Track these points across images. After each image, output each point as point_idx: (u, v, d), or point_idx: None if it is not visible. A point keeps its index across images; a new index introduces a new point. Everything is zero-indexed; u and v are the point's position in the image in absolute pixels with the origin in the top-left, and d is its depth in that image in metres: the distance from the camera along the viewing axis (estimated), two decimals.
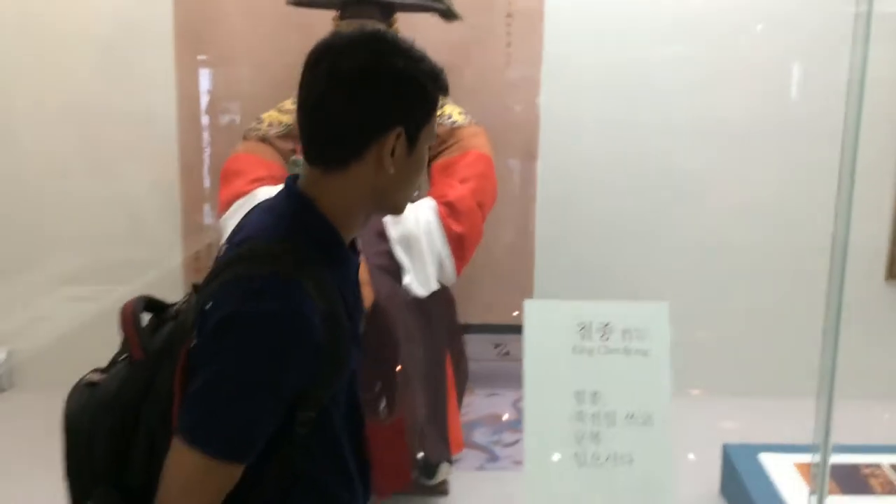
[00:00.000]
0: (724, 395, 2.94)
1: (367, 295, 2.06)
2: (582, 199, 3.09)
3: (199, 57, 2.95)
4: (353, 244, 1.16)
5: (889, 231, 3.03)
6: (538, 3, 2.88)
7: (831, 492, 2.09)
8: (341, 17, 2.48)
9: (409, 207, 2.10)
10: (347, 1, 2.45)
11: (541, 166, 2.99)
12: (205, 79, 2.97)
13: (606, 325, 1.94)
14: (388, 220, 2.27)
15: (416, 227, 2.24)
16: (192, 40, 2.93)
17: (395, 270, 2.22)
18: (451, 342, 2.44)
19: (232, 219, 2.36)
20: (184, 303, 1.14)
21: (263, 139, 2.57)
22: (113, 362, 1.15)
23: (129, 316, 1.11)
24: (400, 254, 2.23)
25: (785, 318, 3.04)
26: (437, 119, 2.41)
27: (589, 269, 3.10)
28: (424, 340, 2.27)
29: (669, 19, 2.91)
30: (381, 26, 2.43)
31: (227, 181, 2.43)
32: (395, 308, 2.10)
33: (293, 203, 1.09)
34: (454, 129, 2.52)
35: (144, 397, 1.08)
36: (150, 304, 1.17)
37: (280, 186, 2.10)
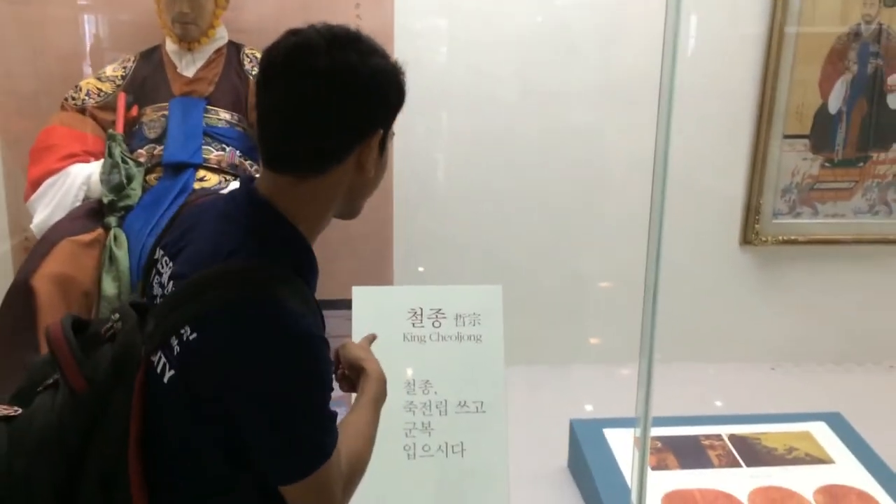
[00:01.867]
0: (584, 364, 2.93)
1: None
2: (437, 171, 3.00)
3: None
4: None
5: (743, 196, 3.05)
6: (387, 19, 2.71)
7: (669, 466, 2.10)
8: None
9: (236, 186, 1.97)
10: None
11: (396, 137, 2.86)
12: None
13: (438, 311, 1.86)
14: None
15: None
16: None
17: None
18: None
19: (42, 199, 2.15)
20: (118, 321, 1.01)
21: (81, 110, 2.35)
22: (29, 391, 1.02)
23: (62, 340, 0.98)
24: None
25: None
26: None
27: (445, 242, 3.02)
28: None
29: None
30: None
31: (38, 158, 2.21)
32: None
33: (260, 214, 1.02)
34: None
35: (90, 434, 0.95)
36: (74, 323, 1.03)
37: (97, 163, 1.91)
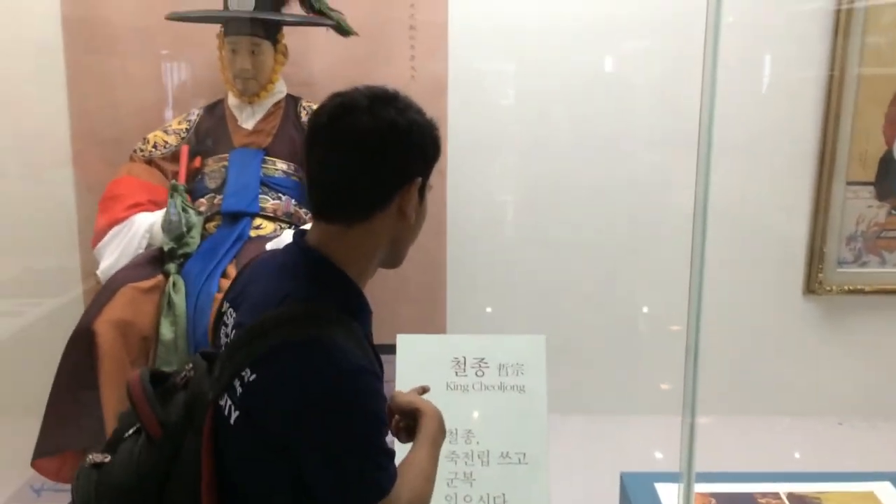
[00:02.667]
0: (633, 415, 2.87)
1: None
2: (491, 217, 3.02)
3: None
4: None
5: (806, 244, 2.97)
6: (441, 15, 2.79)
7: None
8: (225, 34, 2.38)
9: (291, 235, 2.03)
10: (230, 17, 2.34)
11: (449, 184, 2.90)
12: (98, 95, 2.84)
13: (482, 360, 1.87)
14: (269, 247, 2.18)
15: None
16: (83, 55, 2.79)
17: None
18: None
19: (108, 247, 2.26)
20: (190, 371, 1.10)
21: (149, 161, 2.46)
22: (117, 439, 1.09)
23: (139, 391, 1.05)
24: None
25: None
26: None
27: (496, 286, 3.03)
28: None
29: (578, 30, 2.84)
30: (269, 44, 2.35)
31: (106, 207, 2.32)
32: None
33: (311, 263, 1.10)
34: None
35: (167, 478, 1.02)
36: (153, 375, 1.11)
37: (160, 212, 2.01)
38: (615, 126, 2.88)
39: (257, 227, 2.32)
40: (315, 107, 2.40)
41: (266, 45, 2.37)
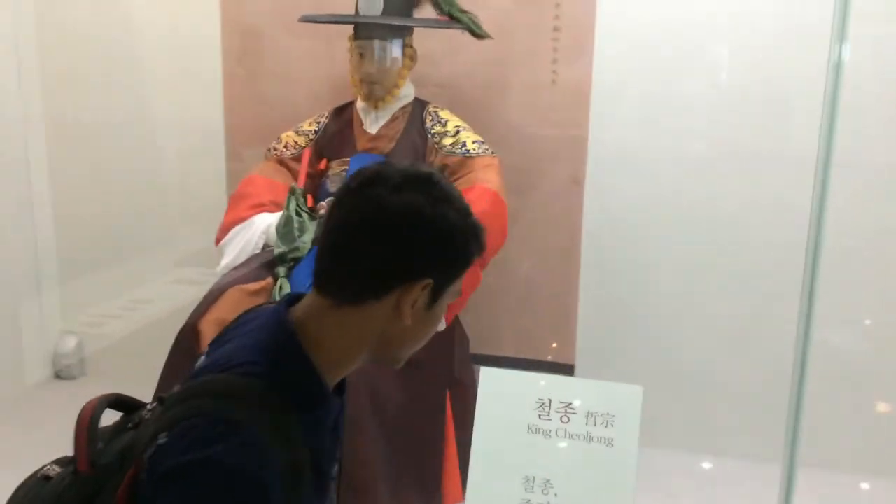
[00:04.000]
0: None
1: None
2: (630, 229, 2.81)
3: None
4: (340, 384, 1.08)
5: None
6: (588, 17, 2.60)
7: None
8: (355, 37, 2.36)
9: None
10: (360, 20, 2.32)
11: (587, 192, 2.73)
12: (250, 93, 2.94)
13: (568, 405, 1.72)
14: None
15: None
16: (238, 55, 2.90)
17: None
18: (454, 381, 2.27)
19: (229, 245, 2.32)
20: (148, 412, 1.06)
21: (280, 161, 2.51)
22: (70, 459, 1.07)
23: (84, 420, 1.01)
24: None
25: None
26: (450, 148, 2.26)
27: (634, 305, 2.82)
28: (409, 389, 2.12)
29: (734, 40, 2.55)
30: (395, 46, 2.30)
31: (233, 205, 2.39)
32: None
33: (279, 336, 1.00)
34: (465, 160, 2.33)
35: None
36: (121, 403, 1.08)
37: (279, 214, 1.97)
38: (765, 144, 2.57)
39: None
40: (442, 113, 2.33)
41: (393, 50, 2.32)
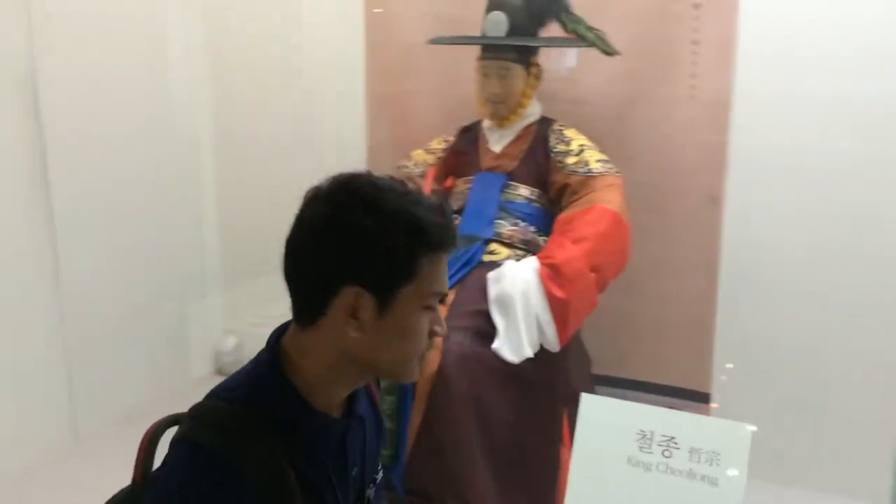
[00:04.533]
0: None
1: (430, 357, 1.99)
2: (769, 252, 2.63)
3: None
4: (352, 401, 1.10)
5: None
6: (730, 29, 2.47)
7: None
8: (480, 57, 2.39)
9: (512, 266, 1.99)
10: (484, 42, 2.35)
11: (726, 212, 2.59)
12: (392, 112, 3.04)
13: (671, 438, 1.64)
14: (490, 276, 2.16)
15: (513, 287, 2.08)
16: (381, 74, 3.01)
17: (490, 333, 2.10)
18: (570, 401, 2.23)
19: None
20: None
21: (409, 178, 2.58)
22: None
23: (148, 434, 1.07)
24: (495, 315, 2.10)
25: None
26: (573, 167, 2.24)
27: (775, 332, 2.64)
28: (521, 409, 2.12)
29: (889, 43, 2.32)
30: (519, 67, 2.31)
31: None
32: (466, 376, 1.99)
33: (263, 361, 1.04)
34: (587, 179, 2.29)
35: None
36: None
37: None
38: None
39: (491, 252, 2.30)
40: (567, 132, 2.31)
41: (516, 69, 2.33)
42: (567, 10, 2.34)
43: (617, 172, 2.32)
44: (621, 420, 1.68)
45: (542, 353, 2.14)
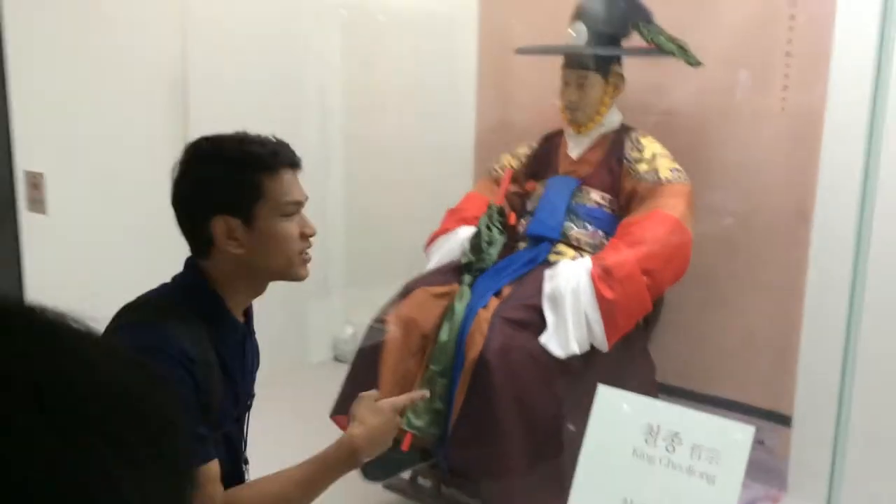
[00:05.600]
0: None
1: (475, 342, 2.12)
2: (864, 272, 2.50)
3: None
4: (247, 315, 1.38)
5: None
6: (824, 42, 2.41)
7: None
8: (563, 66, 2.50)
9: (567, 265, 2.10)
10: (562, 51, 2.45)
11: (815, 230, 2.51)
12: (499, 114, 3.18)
13: (676, 434, 1.67)
14: (546, 274, 2.26)
15: (566, 284, 2.17)
16: (493, 76, 3.17)
17: (541, 327, 2.20)
18: None
19: (434, 252, 2.60)
20: None
21: (496, 180, 2.73)
22: None
23: None
24: (546, 310, 2.20)
25: None
26: (643, 174, 2.29)
27: (863, 355, 2.51)
28: (566, 404, 2.20)
29: None
30: (598, 76, 2.40)
31: (446, 217, 2.67)
32: (508, 364, 2.10)
33: (185, 274, 1.33)
34: (656, 186, 2.33)
35: None
36: None
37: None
38: None
39: (558, 253, 2.40)
40: (643, 140, 2.37)
41: (594, 78, 2.41)
42: (647, 20, 2.40)
43: (686, 181, 2.34)
44: (632, 413, 1.73)
45: (593, 353, 2.21)
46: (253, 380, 1.42)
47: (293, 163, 1.29)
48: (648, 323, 2.54)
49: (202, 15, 3.08)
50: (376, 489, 2.52)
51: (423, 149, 3.61)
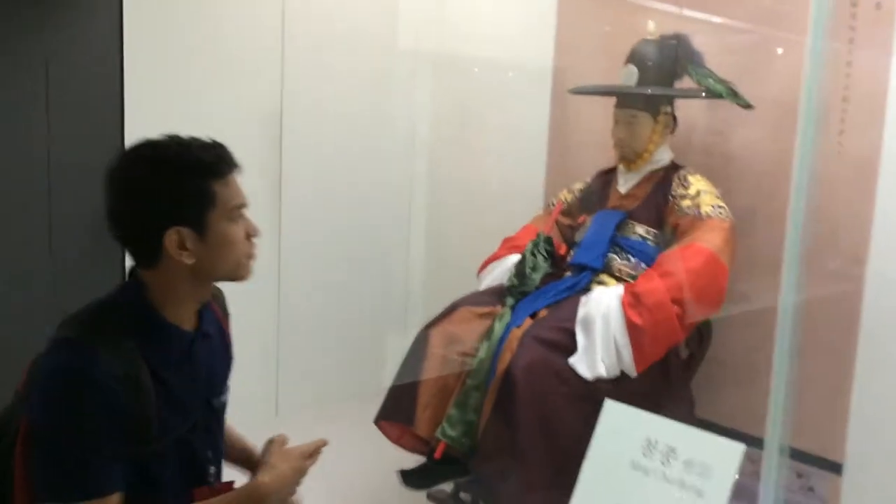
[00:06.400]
0: None
1: (505, 359, 2.24)
2: None
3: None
4: (202, 316, 1.34)
5: None
6: (881, 86, 2.42)
7: None
8: (615, 106, 2.61)
9: (601, 291, 2.21)
10: (610, 90, 2.58)
11: (869, 273, 2.48)
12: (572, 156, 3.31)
13: (672, 449, 1.73)
14: (582, 299, 2.35)
15: (597, 309, 2.26)
16: (562, 119, 3.32)
17: (572, 349, 2.29)
18: None
19: (485, 277, 2.75)
20: None
21: (551, 213, 2.86)
22: None
23: (32, 361, 1.25)
24: (579, 332, 2.29)
25: None
26: (686, 209, 2.37)
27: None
28: (592, 424, 2.26)
29: None
30: (647, 116, 2.50)
31: (501, 245, 2.81)
32: (533, 381, 2.19)
33: (124, 288, 1.28)
34: (695, 221, 2.39)
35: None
36: None
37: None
38: None
39: (600, 283, 2.48)
40: (691, 177, 2.45)
41: (643, 117, 2.51)
42: (696, 62, 2.48)
43: (727, 217, 2.39)
44: (633, 427, 1.80)
45: (625, 381, 2.27)
46: (221, 381, 1.42)
47: (236, 165, 1.28)
48: (692, 360, 2.56)
49: (300, 54, 3.41)
50: (418, 498, 2.63)
51: (499, 188, 3.77)
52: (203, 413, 1.34)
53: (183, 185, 1.21)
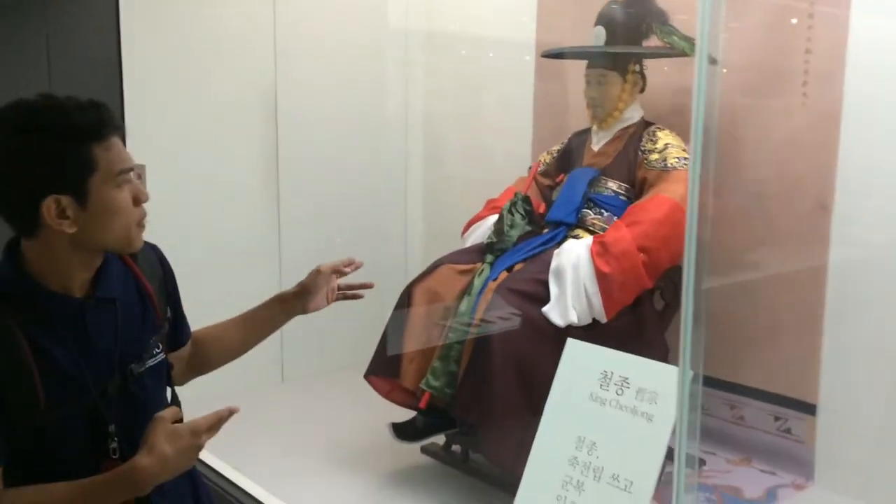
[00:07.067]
0: None
1: (481, 310, 2.36)
2: (883, 259, 2.53)
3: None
4: (99, 277, 1.25)
5: None
6: (841, 36, 2.49)
7: None
8: (586, 67, 2.71)
9: (571, 242, 2.32)
10: (583, 53, 2.68)
11: (834, 225, 2.57)
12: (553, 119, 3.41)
13: (626, 379, 1.85)
14: (555, 252, 2.46)
15: (567, 259, 2.37)
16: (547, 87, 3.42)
17: (546, 299, 2.40)
18: None
19: (469, 237, 2.87)
20: None
21: (534, 176, 2.97)
22: None
23: None
24: (551, 282, 2.40)
25: None
26: (653, 163, 2.47)
27: (887, 337, 2.52)
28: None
29: None
30: (615, 75, 2.60)
31: (484, 207, 2.93)
32: (506, 330, 2.32)
33: (3, 256, 1.21)
34: (662, 173, 2.49)
35: None
36: None
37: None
38: None
39: (576, 237, 2.59)
40: (659, 133, 2.55)
41: (612, 76, 2.61)
42: (662, 21, 2.57)
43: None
44: (591, 361, 1.92)
45: (595, 325, 2.39)
46: (141, 345, 1.30)
47: (119, 127, 1.17)
48: (667, 309, 2.66)
49: (292, 32, 3.54)
50: (412, 452, 2.76)
51: (490, 157, 3.88)
52: (121, 381, 1.24)
53: (59, 151, 1.12)
